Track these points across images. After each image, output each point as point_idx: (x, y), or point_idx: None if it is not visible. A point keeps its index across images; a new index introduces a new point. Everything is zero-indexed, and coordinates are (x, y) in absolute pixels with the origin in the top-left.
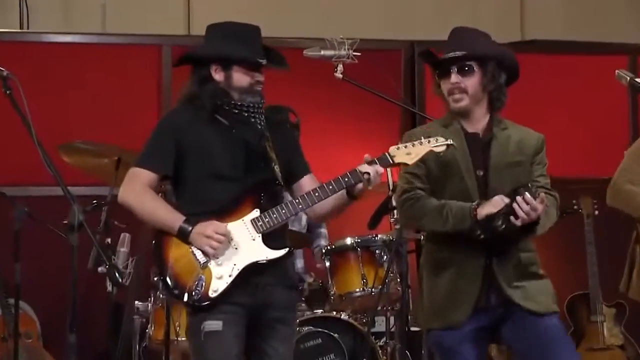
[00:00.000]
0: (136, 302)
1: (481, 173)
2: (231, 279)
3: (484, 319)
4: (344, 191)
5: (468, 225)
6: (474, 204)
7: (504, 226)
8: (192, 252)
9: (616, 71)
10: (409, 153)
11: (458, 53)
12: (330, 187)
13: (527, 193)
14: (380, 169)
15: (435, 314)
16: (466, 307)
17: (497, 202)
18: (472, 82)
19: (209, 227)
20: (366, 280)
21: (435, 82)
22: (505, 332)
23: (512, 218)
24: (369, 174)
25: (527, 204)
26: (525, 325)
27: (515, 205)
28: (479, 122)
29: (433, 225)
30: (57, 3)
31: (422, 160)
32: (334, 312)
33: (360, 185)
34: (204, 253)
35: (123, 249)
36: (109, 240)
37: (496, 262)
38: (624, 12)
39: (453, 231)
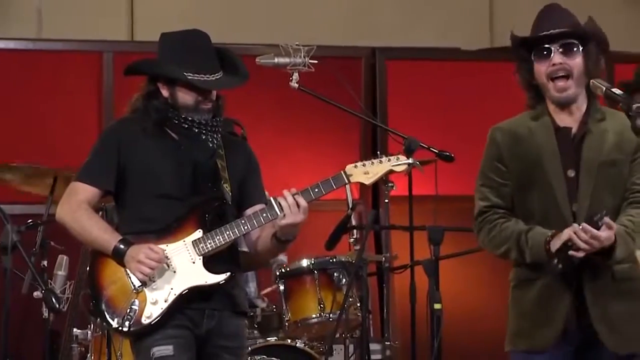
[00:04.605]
0: (75, 329)
1: (572, 174)
2: (167, 304)
3: (569, 342)
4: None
5: (545, 258)
6: (548, 235)
7: (560, 266)
8: (127, 274)
9: (591, 81)
10: (366, 172)
11: (559, 30)
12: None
13: (584, 223)
14: (302, 202)
15: (520, 333)
16: (555, 327)
17: (566, 234)
18: (576, 63)
19: (141, 251)
20: (323, 305)
21: (524, 69)
22: None
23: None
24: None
25: (586, 233)
26: None
27: (573, 236)
28: (574, 114)
29: (513, 256)
30: None
31: (506, 164)
32: (289, 340)
33: (277, 221)
34: None
35: (60, 272)
36: (45, 262)
37: (587, 278)
38: (598, 17)
39: (533, 262)
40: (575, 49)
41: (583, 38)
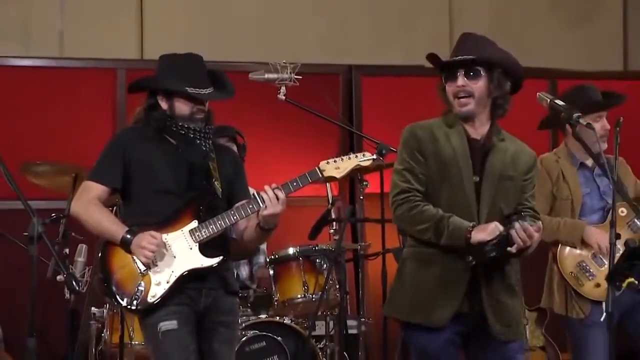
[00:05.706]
0: (92, 308)
1: (477, 179)
2: (168, 285)
3: (462, 323)
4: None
5: (460, 246)
6: (470, 225)
7: (493, 254)
8: (134, 260)
9: (537, 94)
10: (337, 167)
11: (466, 57)
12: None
13: (525, 222)
14: (281, 195)
15: (418, 308)
16: (450, 309)
17: (492, 231)
18: (478, 86)
19: (143, 239)
20: (307, 287)
21: (440, 86)
22: (474, 345)
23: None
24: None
25: (525, 232)
26: (489, 347)
27: (513, 232)
28: (480, 129)
29: (426, 236)
30: (17, 29)
31: (425, 157)
32: (277, 317)
33: (260, 211)
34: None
35: (80, 259)
36: (67, 250)
37: (482, 270)
38: (544, 37)
39: (445, 246)
40: (476, 74)
41: (488, 64)
